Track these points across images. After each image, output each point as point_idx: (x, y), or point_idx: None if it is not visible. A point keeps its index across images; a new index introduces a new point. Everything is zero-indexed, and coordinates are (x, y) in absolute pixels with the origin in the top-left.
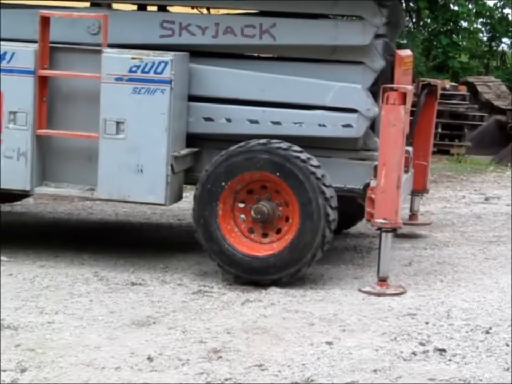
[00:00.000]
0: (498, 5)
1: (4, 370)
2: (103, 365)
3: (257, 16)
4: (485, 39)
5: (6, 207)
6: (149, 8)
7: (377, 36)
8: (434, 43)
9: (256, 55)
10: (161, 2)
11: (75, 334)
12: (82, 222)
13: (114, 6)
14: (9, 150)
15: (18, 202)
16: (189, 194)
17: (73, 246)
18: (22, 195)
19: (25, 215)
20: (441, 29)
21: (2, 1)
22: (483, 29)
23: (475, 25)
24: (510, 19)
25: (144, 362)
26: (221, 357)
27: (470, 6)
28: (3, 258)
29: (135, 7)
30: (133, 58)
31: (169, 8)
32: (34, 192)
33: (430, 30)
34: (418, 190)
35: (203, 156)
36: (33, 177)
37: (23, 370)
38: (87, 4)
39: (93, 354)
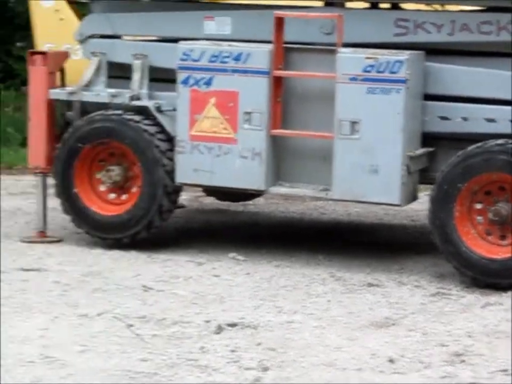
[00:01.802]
0: None
1: (247, 369)
2: (344, 366)
3: (494, 12)
4: None
5: (239, 207)
6: (381, 6)
7: None
8: None
9: (492, 51)
10: (394, 0)
11: (315, 334)
12: (315, 222)
13: (348, 4)
14: (245, 150)
15: (250, 202)
16: (422, 195)
17: (307, 246)
18: (255, 194)
19: (258, 214)
20: None
21: (235, 2)
22: None
23: None
24: None
25: (385, 364)
26: (463, 361)
27: None
28: (239, 257)
29: (367, 5)
30: (368, 58)
31: (401, 6)
32: (269, 192)
33: None
34: None
35: (438, 156)
36: (268, 177)
37: (265, 369)
38: (320, 3)
39: (333, 355)
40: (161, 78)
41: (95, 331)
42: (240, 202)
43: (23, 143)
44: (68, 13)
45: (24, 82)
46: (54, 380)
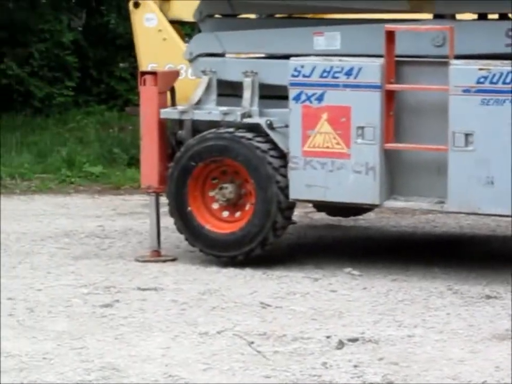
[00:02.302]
0: None
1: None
2: (469, 379)
3: None
4: None
5: (349, 222)
6: (490, 16)
7: None
8: None
9: None
10: (504, 10)
11: (437, 348)
12: (428, 235)
13: (458, 16)
14: (358, 164)
15: (361, 217)
16: None
17: (422, 259)
18: (366, 209)
19: (369, 229)
20: None
21: (344, 17)
22: None
23: None
24: None
25: (510, 377)
26: None
27: None
28: (355, 272)
29: (475, 16)
30: (481, 69)
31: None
32: (383, 206)
33: None
34: None
35: None
36: (382, 191)
37: None
38: (429, 16)
39: (457, 368)
40: (272, 95)
41: (217, 349)
42: (351, 217)
43: (130, 163)
44: (171, 32)
45: (127, 103)
46: None
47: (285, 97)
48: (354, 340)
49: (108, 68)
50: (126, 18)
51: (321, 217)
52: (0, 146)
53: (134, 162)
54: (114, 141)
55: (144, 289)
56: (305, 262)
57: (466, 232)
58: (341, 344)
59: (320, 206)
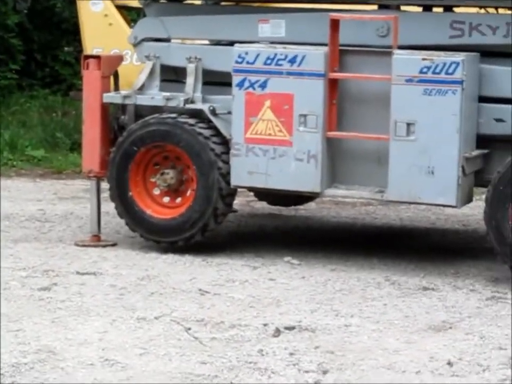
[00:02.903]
0: None
1: (306, 371)
2: (403, 369)
3: None
4: None
5: (290, 211)
6: (435, 9)
7: None
8: None
9: None
10: (449, 2)
11: (373, 338)
12: (368, 226)
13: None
14: (300, 152)
15: (301, 207)
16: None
17: (361, 250)
18: (306, 199)
19: (310, 219)
20: None
21: (289, 6)
22: None
23: None
24: None
25: (444, 367)
26: None
27: None
28: (294, 261)
29: (420, 9)
30: (424, 59)
31: (454, 9)
32: (324, 194)
33: None
34: None
35: (493, 158)
36: (323, 179)
37: (324, 372)
38: (373, 7)
39: (392, 358)
40: (215, 81)
41: (154, 334)
42: (292, 207)
43: (72, 148)
44: (117, 17)
45: (71, 87)
46: (114, 382)
47: (228, 84)
48: (291, 328)
49: (52, 52)
50: (72, 2)
51: (262, 206)
52: None
53: (76, 147)
54: (57, 125)
55: (82, 274)
56: (245, 250)
57: (406, 224)
58: (277, 332)
59: (261, 194)
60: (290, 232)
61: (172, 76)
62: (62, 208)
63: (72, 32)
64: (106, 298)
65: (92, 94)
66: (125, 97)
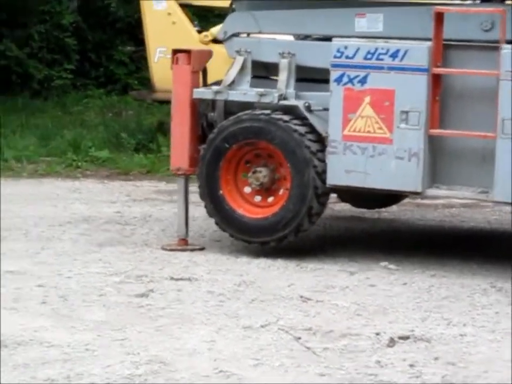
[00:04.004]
0: None
1: None
2: None
3: None
4: None
5: (373, 214)
6: None
7: None
8: None
9: None
10: None
11: (492, 348)
12: (456, 229)
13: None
14: (401, 150)
15: (383, 209)
16: None
17: (457, 254)
18: (391, 201)
19: (396, 221)
20: None
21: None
22: None
23: None
24: None
25: None
26: None
27: None
28: (391, 266)
29: None
30: None
31: None
32: (425, 194)
33: None
34: None
35: None
36: (424, 179)
37: None
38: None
39: None
40: (307, 77)
41: (263, 344)
42: (375, 210)
43: (136, 149)
44: (180, 16)
45: (126, 87)
46: None
47: (321, 80)
48: (405, 338)
49: (107, 51)
50: (127, 1)
51: (342, 208)
52: (1, 127)
53: (140, 147)
54: (120, 125)
55: (177, 279)
56: (337, 254)
57: (496, 227)
58: (392, 342)
59: (346, 196)
60: (379, 235)
61: (261, 71)
62: (139, 210)
63: (127, 31)
64: (206, 305)
65: (182, 90)
66: (216, 92)
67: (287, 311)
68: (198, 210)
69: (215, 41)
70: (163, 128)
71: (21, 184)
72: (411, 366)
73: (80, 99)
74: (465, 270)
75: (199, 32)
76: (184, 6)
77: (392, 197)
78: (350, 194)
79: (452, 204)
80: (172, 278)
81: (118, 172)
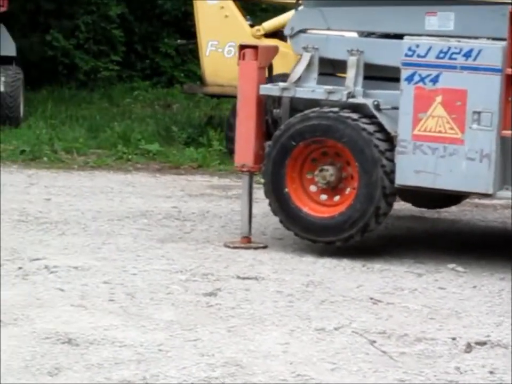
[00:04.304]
0: None
1: None
2: None
3: None
4: None
5: (433, 214)
6: None
7: None
8: None
9: None
10: None
11: None
12: None
13: None
14: (472, 151)
15: (443, 210)
16: None
17: None
18: (453, 200)
19: (457, 222)
20: None
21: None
22: None
23: None
24: None
25: None
26: None
27: None
28: (459, 268)
29: None
30: None
31: None
32: (496, 196)
33: None
34: None
35: None
36: (496, 180)
37: None
38: None
39: None
40: (374, 75)
41: (338, 347)
42: (436, 210)
43: (186, 142)
44: (233, 9)
45: (171, 79)
46: None
47: (389, 79)
48: (482, 344)
49: (153, 44)
50: None
51: (400, 207)
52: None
53: (190, 141)
54: (169, 118)
55: (243, 278)
56: (402, 255)
57: None
58: (469, 348)
59: (407, 195)
60: (442, 236)
61: (328, 68)
62: (195, 205)
63: (173, 24)
64: (276, 305)
65: (248, 86)
66: (284, 89)
67: (359, 313)
68: (257, 207)
69: (267, 35)
70: (212, 122)
71: (73, 177)
72: (491, 373)
73: (126, 91)
74: None
75: (251, 26)
76: (236, 0)
77: (454, 198)
78: (412, 194)
79: (506, 205)
80: (238, 277)
81: (169, 166)
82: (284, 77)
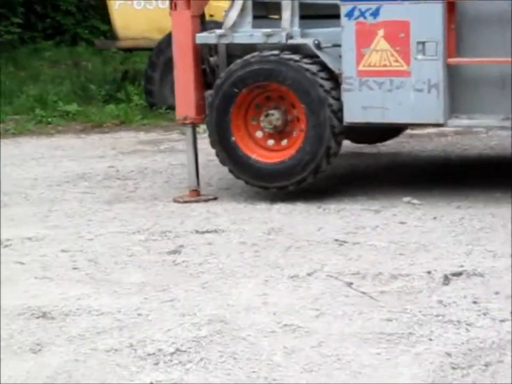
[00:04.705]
0: None
1: (502, 321)
2: None
3: None
4: None
5: (372, 148)
6: None
7: None
8: None
9: None
10: None
11: None
12: (463, 157)
13: None
14: (419, 82)
15: (381, 144)
16: None
17: (475, 183)
18: (392, 133)
19: (398, 155)
20: None
21: None
22: None
23: None
24: None
25: None
26: None
27: None
28: (415, 201)
29: None
30: None
31: None
32: (447, 125)
33: None
34: None
35: None
36: (446, 110)
37: None
38: None
39: None
40: (309, 14)
41: (317, 293)
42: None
43: (105, 100)
44: None
45: (75, 37)
46: (306, 350)
47: (324, 16)
48: (458, 274)
49: (52, 2)
50: None
51: None
52: None
53: (108, 98)
54: (83, 77)
55: (203, 232)
56: (354, 192)
57: (501, 153)
58: (447, 280)
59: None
60: (388, 169)
61: (261, 11)
62: (131, 163)
63: None
64: (243, 257)
65: (183, 36)
66: (220, 36)
67: (328, 256)
68: None
69: None
70: (127, 77)
71: None
72: (474, 303)
73: (31, 53)
74: (489, 200)
75: None
76: None
77: (394, 131)
78: (352, 130)
79: (445, 133)
80: (197, 232)
81: (91, 125)
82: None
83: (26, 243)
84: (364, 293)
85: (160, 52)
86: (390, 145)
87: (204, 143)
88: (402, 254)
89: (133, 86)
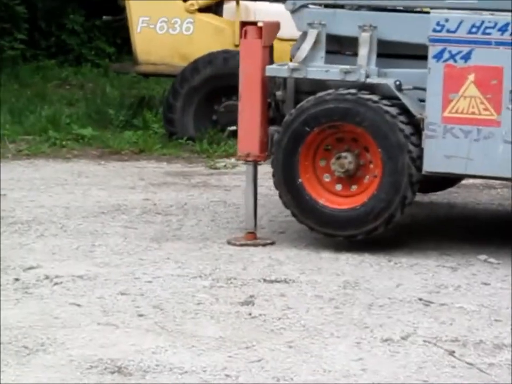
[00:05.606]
0: None
1: None
2: None
3: None
4: None
5: (423, 198)
6: None
7: None
8: None
9: None
10: None
11: None
12: None
13: None
14: (510, 133)
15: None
16: None
17: None
18: (448, 184)
19: (453, 206)
20: None
21: None
22: None
23: None
24: None
25: None
26: None
27: None
28: (492, 260)
29: None
30: None
31: None
32: None
33: None
34: None
35: None
36: None
37: None
38: None
39: None
40: (389, 52)
41: (418, 360)
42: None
43: (125, 126)
44: None
45: (79, 57)
46: None
47: (407, 56)
48: None
49: (57, 20)
50: None
51: None
52: None
53: (124, 124)
54: (101, 100)
55: (271, 282)
56: (420, 245)
57: None
58: None
59: None
60: (448, 222)
61: (333, 46)
62: (166, 197)
63: None
64: (324, 313)
65: (252, 67)
66: (293, 70)
67: (417, 318)
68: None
69: (201, 10)
70: (143, 103)
71: (14, 167)
72: None
73: (33, 71)
74: None
75: (184, 0)
76: None
77: (451, 181)
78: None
79: (490, 185)
80: (265, 280)
81: (109, 151)
82: (225, 53)
83: (78, 282)
84: (470, 364)
85: (184, 80)
86: (440, 195)
87: (240, 179)
88: (498, 320)
89: (150, 113)
